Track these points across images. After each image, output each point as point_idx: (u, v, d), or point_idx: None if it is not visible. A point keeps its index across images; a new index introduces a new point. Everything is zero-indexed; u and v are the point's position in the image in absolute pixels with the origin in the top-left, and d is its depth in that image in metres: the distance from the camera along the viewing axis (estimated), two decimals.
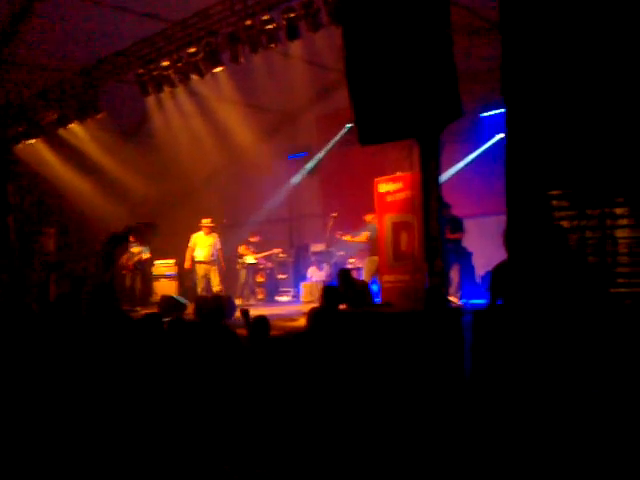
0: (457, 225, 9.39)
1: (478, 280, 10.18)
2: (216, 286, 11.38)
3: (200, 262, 11.42)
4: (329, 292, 5.93)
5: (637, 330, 3.85)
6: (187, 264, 11.57)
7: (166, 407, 3.92)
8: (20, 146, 11.82)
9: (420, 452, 3.48)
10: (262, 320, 5.23)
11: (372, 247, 9.82)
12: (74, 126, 11.25)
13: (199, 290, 11.43)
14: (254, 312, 8.56)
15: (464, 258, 9.67)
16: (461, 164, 11.55)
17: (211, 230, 11.60)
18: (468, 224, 9.58)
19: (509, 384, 4.07)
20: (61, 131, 11.47)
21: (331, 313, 5.67)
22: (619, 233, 4.47)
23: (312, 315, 5.69)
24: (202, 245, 11.50)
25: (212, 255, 11.48)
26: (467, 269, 9.81)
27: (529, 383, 3.96)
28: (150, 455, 3.56)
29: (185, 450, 3.55)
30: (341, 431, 3.68)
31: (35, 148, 11.95)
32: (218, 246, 11.63)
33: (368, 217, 10.30)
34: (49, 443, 3.69)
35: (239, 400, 3.95)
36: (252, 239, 12.82)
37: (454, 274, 9.19)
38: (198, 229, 11.64)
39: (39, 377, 4.35)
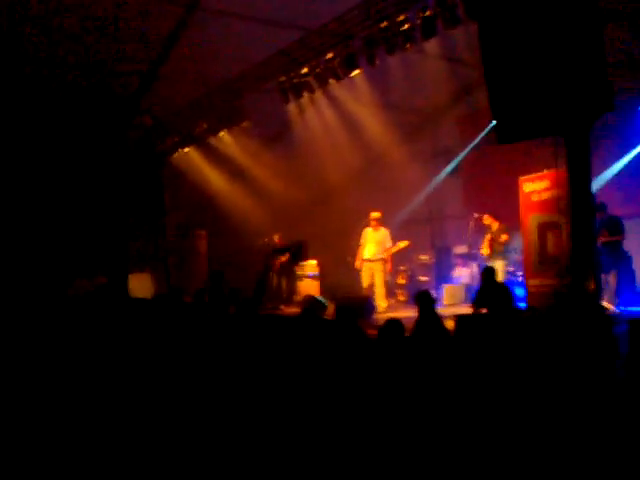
0: (615, 226, 8.70)
1: (639, 286, 9.35)
2: (377, 287, 10.51)
3: (365, 260, 10.68)
4: (422, 298, 5.88)
5: None
6: (357, 263, 10.78)
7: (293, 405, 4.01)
8: (175, 155, 12.76)
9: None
10: (394, 322, 5.22)
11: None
12: (222, 134, 11.89)
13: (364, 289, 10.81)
14: (392, 314, 8.64)
15: (623, 262, 8.90)
16: (620, 163, 10.61)
17: (379, 224, 10.70)
18: (627, 225, 8.81)
19: None
20: (211, 139, 12.20)
21: (425, 318, 5.62)
22: None
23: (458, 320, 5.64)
24: (369, 241, 10.71)
25: (378, 253, 10.57)
26: (626, 274, 9.03)
27: None
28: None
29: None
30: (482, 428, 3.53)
31: (188, 156, 12.83)
32: (387, 243, 10.65)
33: (487, 219, 9.88)
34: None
35: (365, 395, 3.94)
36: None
37: (611, 279, 8.51)
38: (366, 225, 10.82)
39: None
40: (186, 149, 12.61)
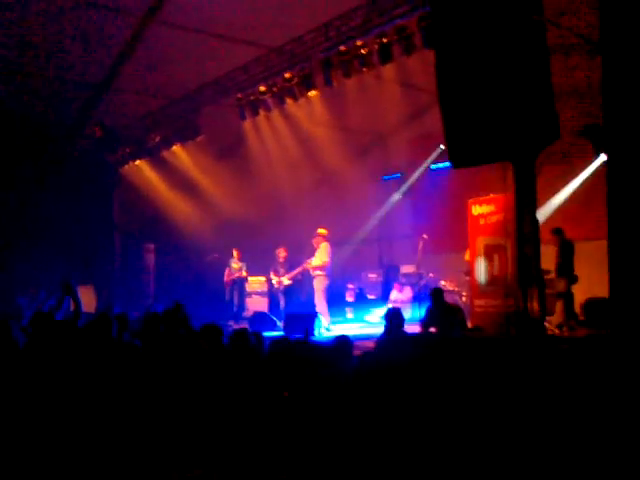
0: (569, 250, 9.07)
1: (577, 308, 9.68)
2: (317, 302, 10.63)
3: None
4: (392, 315, 5.95)
5: None
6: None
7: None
8: (125, 167, 12.54)
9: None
10: (344, 339, 5.27)
11: None
12: (175, 147, 11.78)
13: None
14: (341, 331, 8.70)
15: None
16: (568, 190, 10.95)
17: (323, 239, 10.79)
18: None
19: (613, 417, 3.83)
20: (164, 152, 12.07)
21: (394, 336, 5.68)
22: None
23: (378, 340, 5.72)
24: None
25: (315, 268, 10.72)
26: None
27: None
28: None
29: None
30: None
31: (139, 168, 12.63)
32: (324, 258, 10.61)
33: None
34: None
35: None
36: (281, 255, 11.82)
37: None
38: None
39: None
40: (137, 162, 12.42)
